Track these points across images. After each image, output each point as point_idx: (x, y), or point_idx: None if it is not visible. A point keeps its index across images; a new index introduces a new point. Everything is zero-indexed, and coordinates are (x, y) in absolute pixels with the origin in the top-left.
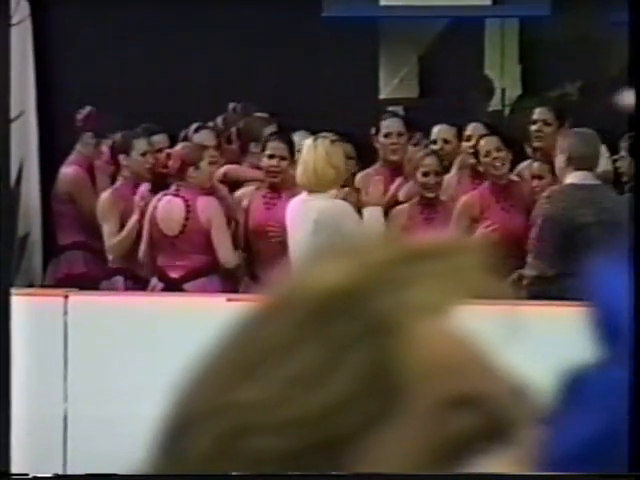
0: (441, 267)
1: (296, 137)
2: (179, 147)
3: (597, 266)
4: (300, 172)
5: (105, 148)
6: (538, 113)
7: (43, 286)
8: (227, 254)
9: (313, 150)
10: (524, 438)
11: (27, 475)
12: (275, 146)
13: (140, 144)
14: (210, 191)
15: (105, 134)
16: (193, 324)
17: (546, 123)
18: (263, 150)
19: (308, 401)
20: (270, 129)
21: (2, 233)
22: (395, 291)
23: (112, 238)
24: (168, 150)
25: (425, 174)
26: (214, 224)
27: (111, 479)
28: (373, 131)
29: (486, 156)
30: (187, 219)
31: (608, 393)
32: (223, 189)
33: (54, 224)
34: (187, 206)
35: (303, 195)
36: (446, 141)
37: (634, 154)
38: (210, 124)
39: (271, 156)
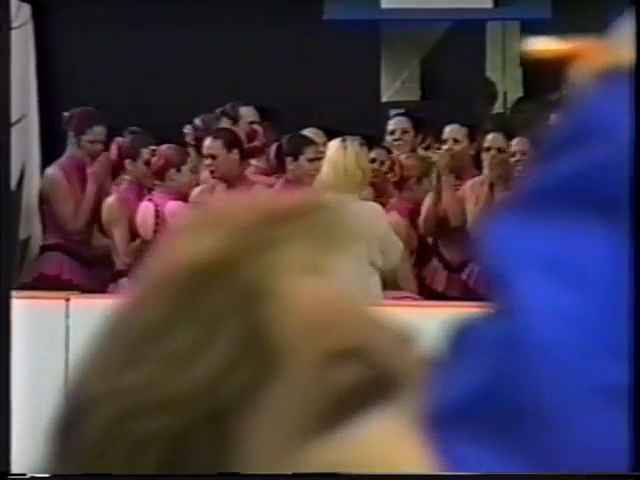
0: (307, 225)
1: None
2: (165, 147)
3: (488, 221)
4: (328, 172)
5: (114, 148)
6: None
7: (25, 285)
8: None
9: (343, 151)
10: (411, 390)
11: (24, 475)
12: (315, 149)
13: (146, 153)
14: (186, 197)
15: (84, 131)
16: None
17: None
18: (279, 153)
19: (188, 377)
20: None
21: (2, 235)
22: (263, 254)
23: (125, 242)
24: (154, 147)
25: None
26: None
27: (111, 479)
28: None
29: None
30: (157, 224)
31: (495, 346)
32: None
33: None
34: (156, 211)
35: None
36: (456, 140)
37: (634, 155)
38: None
39: (312, 160)
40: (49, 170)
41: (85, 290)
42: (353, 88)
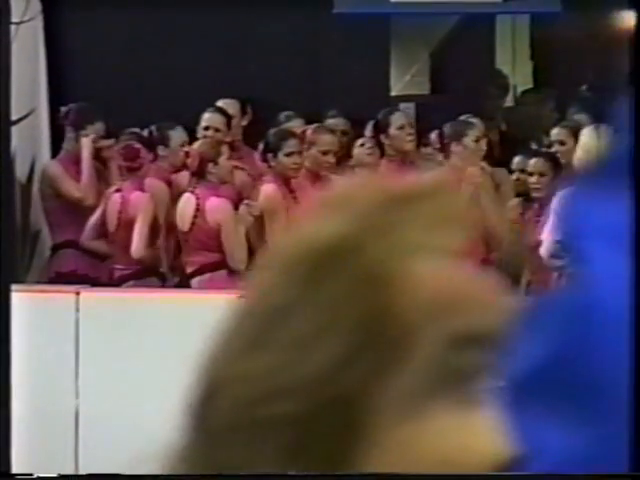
0: (430, 207)
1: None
2: (197, 145)
3: (565, 197)
4: (581, 157)
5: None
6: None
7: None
8: (236, 256)
9: (596, 137)
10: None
11: (31, 475)
12: (296, 143)
13: (180, 155)
14: (228, 188)
15: (83, 126)
16: (206, 321)
17: None
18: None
19: (311, 361)
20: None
21: (4, 228)
22: (386, 237)
23: (145, 236)
24: (186, 148)
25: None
26: (224, 227)
27: (116, 479)
28: None
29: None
30: (196, 217)
31: (566, 317)
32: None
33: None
34: (197, 204)
35: None
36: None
37: (635, 151)
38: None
39: (290, 154)
40: (46, 166)
41: (102, 283)
42: (362, 82)
